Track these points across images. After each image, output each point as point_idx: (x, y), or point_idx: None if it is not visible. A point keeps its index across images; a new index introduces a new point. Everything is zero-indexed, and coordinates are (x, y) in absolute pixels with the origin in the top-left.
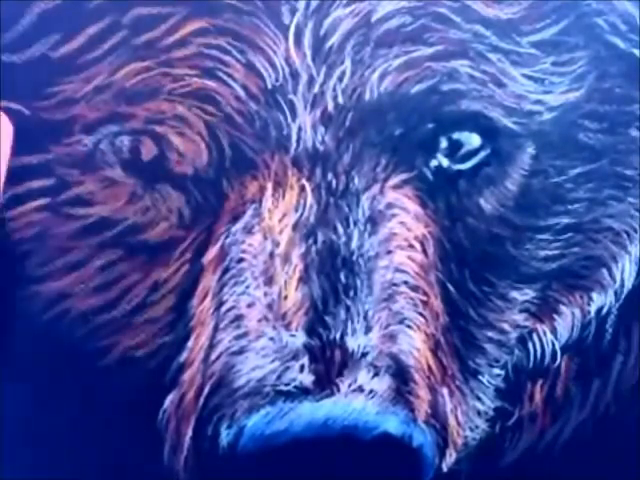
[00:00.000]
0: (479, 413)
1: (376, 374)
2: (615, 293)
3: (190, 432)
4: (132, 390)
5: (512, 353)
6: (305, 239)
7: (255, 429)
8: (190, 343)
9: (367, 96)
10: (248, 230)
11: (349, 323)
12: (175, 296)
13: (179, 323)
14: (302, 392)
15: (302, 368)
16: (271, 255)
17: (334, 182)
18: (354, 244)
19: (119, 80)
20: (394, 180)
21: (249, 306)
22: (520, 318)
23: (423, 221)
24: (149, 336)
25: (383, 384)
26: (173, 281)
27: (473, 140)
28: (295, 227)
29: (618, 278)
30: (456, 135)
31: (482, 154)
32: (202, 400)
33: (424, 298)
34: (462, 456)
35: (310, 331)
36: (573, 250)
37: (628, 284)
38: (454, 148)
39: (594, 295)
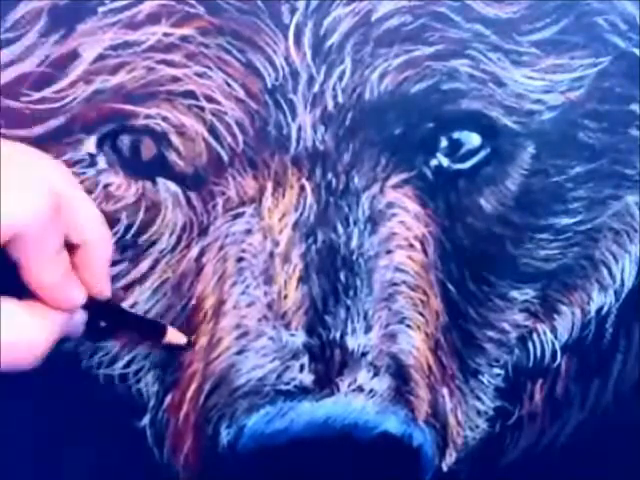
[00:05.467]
0: (479, 413)
1: (376, 374)
2: (615, 293)
3: (190, 432)
4: (131, 389)
5: (512, 353)
6: (305, 239)
7: (255, 428)
8: None
9: (367, 95)
10: (248, 230)
11: (349, 323)
12: (175, 296)
13: (179, 323)
14: (302, 391)
15: (302, 368)
16: (271, 255)
17: (334, 181)
18: (354, 244)
19: (119, 80)
20: (394, 179)
21: (249, 306)
22: (520, 318)
23: (423, 221)
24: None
25: (383, 384)
26: (173, 281)
27: (473, 139)
28: (295, 227)
29: (618, 278)
30: (456, 134)
31: (482, 153)
32: (202, 399)
33: (424, 298)
34: (462, 456)
35: (310, 331)
36: (573, 250)
37: (628, 284)
38: (454, 147)
39: (594, 295)
